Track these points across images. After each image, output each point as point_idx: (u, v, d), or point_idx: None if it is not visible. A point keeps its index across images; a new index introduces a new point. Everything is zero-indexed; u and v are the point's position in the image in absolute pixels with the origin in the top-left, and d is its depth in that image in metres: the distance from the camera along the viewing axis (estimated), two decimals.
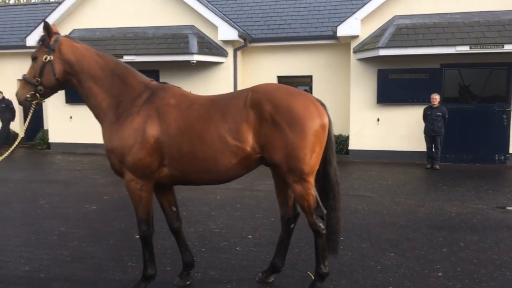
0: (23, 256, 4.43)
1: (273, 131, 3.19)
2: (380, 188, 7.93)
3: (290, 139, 3.16)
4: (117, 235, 5.16)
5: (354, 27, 10.94)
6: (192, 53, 11.48)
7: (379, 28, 11.09)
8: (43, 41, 3.44)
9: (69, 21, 13.11)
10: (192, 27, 12.24)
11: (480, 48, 9.72)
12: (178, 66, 12.48)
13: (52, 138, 13.96)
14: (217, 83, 12.43)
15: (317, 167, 3.30)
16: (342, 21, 11.16)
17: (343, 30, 11.01)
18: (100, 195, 7.38)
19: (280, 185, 3.65)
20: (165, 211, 3.69)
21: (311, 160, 3.20)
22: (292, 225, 3.69)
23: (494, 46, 9.62)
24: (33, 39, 12.97)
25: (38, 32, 12.89)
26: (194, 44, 11.69)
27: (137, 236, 4.32)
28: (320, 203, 3.38)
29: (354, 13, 11.06)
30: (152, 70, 12.76)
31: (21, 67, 12.99)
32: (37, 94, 3.44)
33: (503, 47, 9.58)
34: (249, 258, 4.36)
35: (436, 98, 10.07)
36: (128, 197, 3.51)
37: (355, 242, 4.83)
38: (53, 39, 3.43)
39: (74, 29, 12.97)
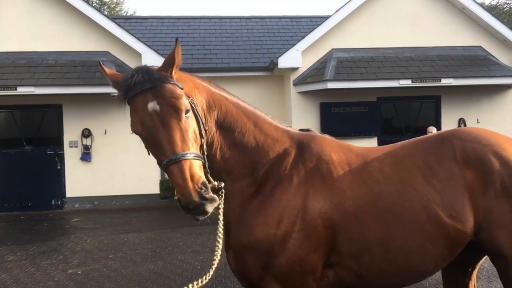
0: None
1: (502, 203, 2.11)
2: None
3: None
4: None
5: (295, 59, 10.35)
6: None
7: (317, 61, 10.72)
8: (166, 74, 1.88)
9: None
10: (106, 53, 10.23)
11: (421, 82, 9.98)
12: (85, 100, 10.23)
13: None
14: None
15: None
16: (283, 53, 10.49)
17: (284, 62, 10.32)
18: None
19: (454, 276, 2.51)
20: None
21: None
22: None
23: (433, 80, 9.96)
24: None
25: None
26: None
27: None
28: None
29: (294, 44, 10.52)
30: (53, 105, 10.29)
31: None
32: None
33: (440, 81, 9.98)
34: None
35: (433, 130, 8.24)
36: None
37: None
38: (174, 69, 1.92)
39: None
